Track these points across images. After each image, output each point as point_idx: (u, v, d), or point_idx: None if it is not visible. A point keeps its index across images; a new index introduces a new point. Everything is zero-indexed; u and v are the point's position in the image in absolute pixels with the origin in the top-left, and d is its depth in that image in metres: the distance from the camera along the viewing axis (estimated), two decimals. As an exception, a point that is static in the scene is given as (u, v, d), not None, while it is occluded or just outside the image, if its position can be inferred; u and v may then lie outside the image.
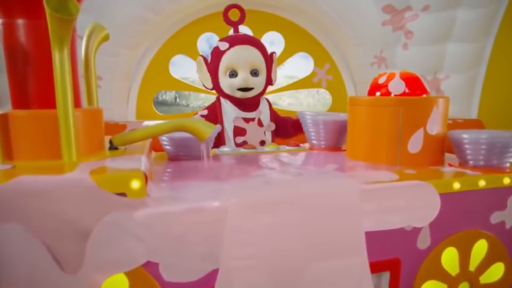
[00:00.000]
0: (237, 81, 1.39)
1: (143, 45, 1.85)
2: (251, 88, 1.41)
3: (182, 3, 1.76)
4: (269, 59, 1.48)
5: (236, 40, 1.41)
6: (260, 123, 1.46)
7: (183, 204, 0.68)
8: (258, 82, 1.43)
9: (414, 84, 1.02)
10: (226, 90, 1.42)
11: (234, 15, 1.44)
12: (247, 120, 1.44)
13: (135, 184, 0.64)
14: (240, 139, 1.41)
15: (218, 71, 1.42)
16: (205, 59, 1.46)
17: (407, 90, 1.00)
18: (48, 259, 0.62)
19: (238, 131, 1.42)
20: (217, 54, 1.42)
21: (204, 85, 1.49)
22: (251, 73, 1.42)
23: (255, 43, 1.44)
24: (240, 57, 1.41)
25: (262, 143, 1.43)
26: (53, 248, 0.62)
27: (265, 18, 1.95)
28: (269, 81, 1.48)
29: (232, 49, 1.40)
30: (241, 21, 1.47)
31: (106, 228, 0.63)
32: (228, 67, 1.41)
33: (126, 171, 0.66)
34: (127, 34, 1.71)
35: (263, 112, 1.47)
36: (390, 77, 1.03)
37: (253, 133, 1.44)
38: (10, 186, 0.60)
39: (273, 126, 1.49)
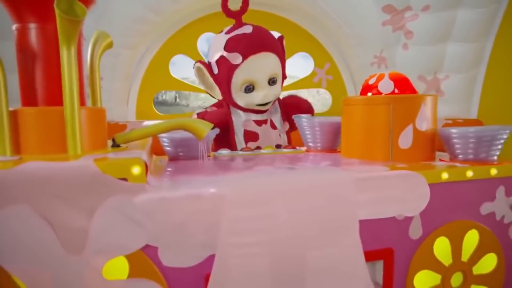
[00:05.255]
0: (257, 99, 1.26)
1: (143, 45, 1.85)
2: (270, 102, 1.30)
3: (182, 3, 1.76)
4: (283, 55, 1.32)
5: (249, 49, 1.22)
6: (273, 125, 1.34)
7: (182, 191, 0.70)
8: (277, 91, 1.30)
9: (402, 84, 1.05)
10: (241, 104, 1.28)
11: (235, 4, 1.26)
12: (259, 122, 1.31)
13: (136, 170, 0.68)
14: (253, 145, 1.28)
15: (230, 86, 1.25)
16: (206, 66, 1.27)
17: (396, 90, 1.04)
18: (54, 240, 0.65)
19: (250, 136, 1.29)
20: (228, 68, 1.23)
21: (210, 95, 1.34)
22: (268, 82, 1.27)
23: (270, 46, 1.27)
24: (257, 70, 1.24)
25: (278, 146, 1.32)
26: (57, 230, 0.65)
27: (265, 18, 1.95)
28: (284, 79, 1.35)
29: (246, 62, 1.22)
30: (244, 10, 1.28)
31: (107, 212, 0.66)
32: (243, 82, 1.24)
33: (128, 159, 0.71)
34: (127, 34, 1.71)
35: (273, 112, 1.36)
36: (380, 78, 1.07)
37: (267, 137, 1.31)
38: (18, 170, 0.64)
39: (287, 126, 1.38)
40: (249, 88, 1.25)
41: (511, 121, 1.90)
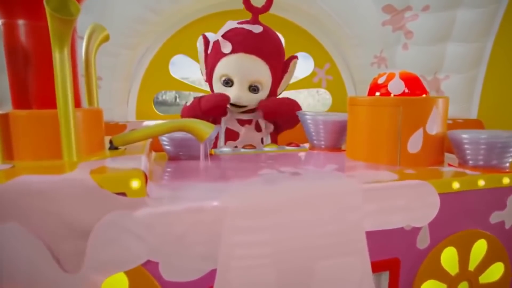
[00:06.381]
0: (229, 95, 1.21)
1: (143, 45, 1.85)
2: (245, 106, 1.24)
3: (182, 3, 1.76)
4: (280, 70, 1.26)
5: (242, 45, 1.19)
6: (258, 127, 1.29)
7: (183, 204, 0.68)
8: (255, 99, 1.24)
9: (413, 84, 1.02)
10: None
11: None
12: (242, 122, 1.27)
13: (135, 183, 0.65)
14: (231, 144, 1.25)
15: (213, 72, 1.24)
16: (206, 42, 1.25)
17: (406, 90, 1.00)
18: (49, 259, 0.62)
19: (230, 135, 1.26)
20: (216, 53, 1.22)
21: (201, 71, 1.32)
22: (249, 88, 1.23)
23: (265, 55, 1.21)
24: (240, 69, 1.20)
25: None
26: (53, 248, 0.63)
27: (265, 18, 1.95)
28: (272, 94, 1.29)
29: (233, 56, 1.19)
30: (265, 9, 1.25)
31: (106, 227, 0.64)
32: (223, 74, 1.22)
33: (126, 171, 0.67)
34: (127, 34, 1.71)
35: (260, 114, 1.30)
36: (390, 77, 1.03)
37: (247, 139, 1.26)
38: (10, 185, 0.60)
39: (270, 127, 1.33)
40: (227, 82, 1.22)
41: (511, 121, 1.90)
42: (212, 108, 1.20)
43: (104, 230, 0.64)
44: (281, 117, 1.28)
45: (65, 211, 0.62)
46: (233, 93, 1.21)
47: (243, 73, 1.21)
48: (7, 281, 0.62)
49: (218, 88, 1.25)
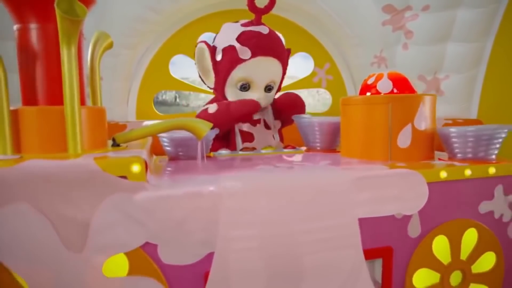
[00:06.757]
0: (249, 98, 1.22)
1: (143, 45, 1.85)
2: (262, 106, 1.27)
3: (182, 3, 1.76)
4: (286, 66, 1.31)
5: (260, 49, 1.21)
6: (266, 126, 1.31)
7: (182, 189, 0.71)
8: (269, 99, 1.28)
9: (401, 84, 1.06)
10: (231, 99, 1.25)
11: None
12: (253, 122, 1.28)
13: (136, 168, 0.69)
14: (248, 146, 1.27)
15: (227, 78, 1.23)
16: (210, 48, 1.23)
17: (395, 90, 1.04)
18: (54, 238, 0.66)
19: (245, 136, 1.26)
20: (234, 59, 1.20)
21: (201, 79, 1.30)
22: (265, 88, 1.26)
23: (279, 54, 1.25)
24: (260, 71, 1.22)
25: None
26: (58, 228, 0.66)
27: (265, 18, 1.95)
28: (278, 89, 1.34)
29: (252, 60, 1.20)
30: (268, 9, 1.25)
31: (107, 210, 0.67)
32: (242, 79, 1.22)
33: (127, 157, 0.71)
34: (127, 34, 1.71)
35: (266, 113, 1.33)
36: (379, 77, 1.08)
37: (261, 138, 1.28)
38: (18, 168, 0.64)
39: (278, 124, 1.35)
40: (245, 87, 1.23)
41: (511, 121, 1.90)
42: (244, 115, 1.21)
43: (106, 213, 0.67)
44: (293, 112, 1.32)
45: (69, 193, 0.65)
46: (253, 97, 1.23)
47: (262, 75, 1.23)
48: (14, 258, 0.65)
49: (234, 93, 1.26)
